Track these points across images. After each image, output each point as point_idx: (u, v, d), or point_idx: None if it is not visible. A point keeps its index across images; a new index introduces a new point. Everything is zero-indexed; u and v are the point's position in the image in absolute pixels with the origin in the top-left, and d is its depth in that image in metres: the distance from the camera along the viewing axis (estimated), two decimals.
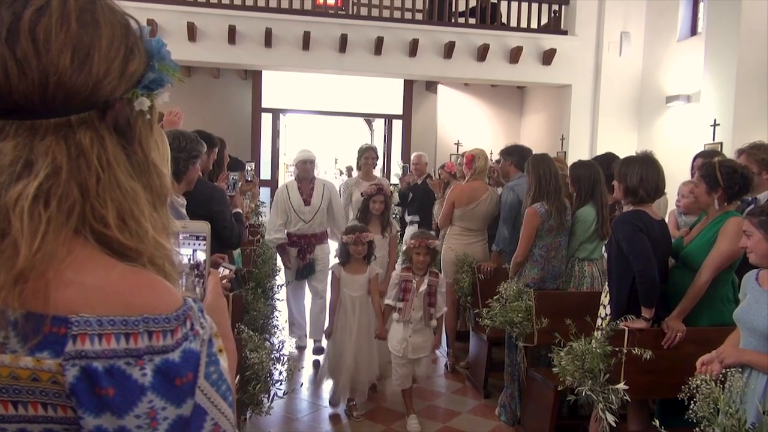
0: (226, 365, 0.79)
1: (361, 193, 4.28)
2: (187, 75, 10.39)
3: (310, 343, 5.02)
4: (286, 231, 4.83)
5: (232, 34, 7.94)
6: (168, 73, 0.85)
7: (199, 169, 2.54)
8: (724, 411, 1.87)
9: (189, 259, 1.01)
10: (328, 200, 4.91)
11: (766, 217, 2.08)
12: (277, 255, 4.91)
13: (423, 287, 3.56)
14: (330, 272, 3.88)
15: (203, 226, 1.03)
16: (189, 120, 5.03)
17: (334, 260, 4.93)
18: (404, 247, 4.18)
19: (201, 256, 1.01)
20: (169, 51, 0.85)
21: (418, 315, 3.56)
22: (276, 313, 3.57)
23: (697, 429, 1.92)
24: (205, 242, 1.02)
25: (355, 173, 7.46)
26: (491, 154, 5.89)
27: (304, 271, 4.87)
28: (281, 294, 4.28)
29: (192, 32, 7.83)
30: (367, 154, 5.37)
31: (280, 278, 4.83)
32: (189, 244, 1.02)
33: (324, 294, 4.89)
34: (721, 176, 2.72)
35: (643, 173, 2.83)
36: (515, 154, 4.50)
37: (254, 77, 9.65)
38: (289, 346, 3.91)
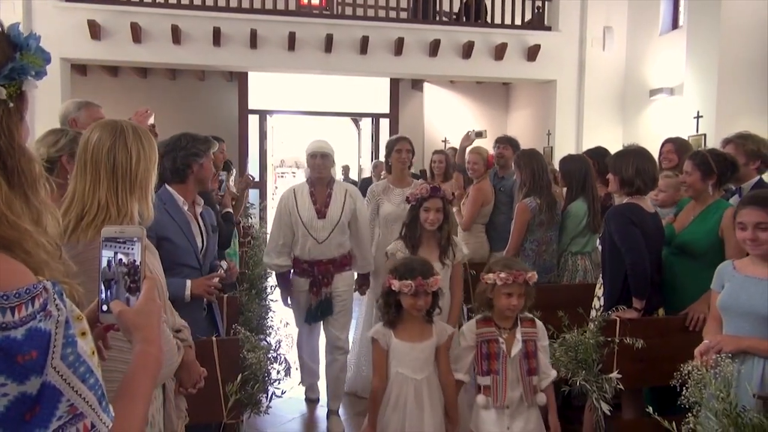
0: (88, 349, 0.82)
1: (407, 198, 2.97)
2: (172, 78, 10.34)
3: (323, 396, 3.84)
4: (292, 254, 3.53)
5: (216, 36, 7.92)
6: (33, 63, 0.87)
7: (208, 168, 2.55)
8: (715, 396, 1.91)
9: (110, 262, 1.02)
10: (351, 212, 3.50)
11: None
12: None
13: (517, 348, 2.39)
14: (371, 339, 2.50)
15: (138, 231, 1.05)
16: (174, 123, 5.03)
17: (363, 306, 3.95)
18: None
19: (136, 259, 1.03)
20: (38, 42, 0.87)
21: (517, 393, 2.38)
22: (270, 314, 3.57)
23: (690, 414, 1.96)
24: (138, 246, 1.03)
25: (356, 173, 6.88)
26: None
27: (317, 312, 3.49)
28: (274, 294, 3.83)
29: (176, 34, 7.78)
30: (399, 146, 3.86)
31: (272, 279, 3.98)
32: (122, 247, 1.03)
33: (347, 346, 3.70)
34: (714, 164, 2.80)
35: (638, 165, 2.89)
36: (516, 145, 4.56)
37: (240, 79, 9.63)
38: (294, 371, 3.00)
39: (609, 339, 2.64)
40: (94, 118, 2.95)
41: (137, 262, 1.04)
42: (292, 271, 3.58)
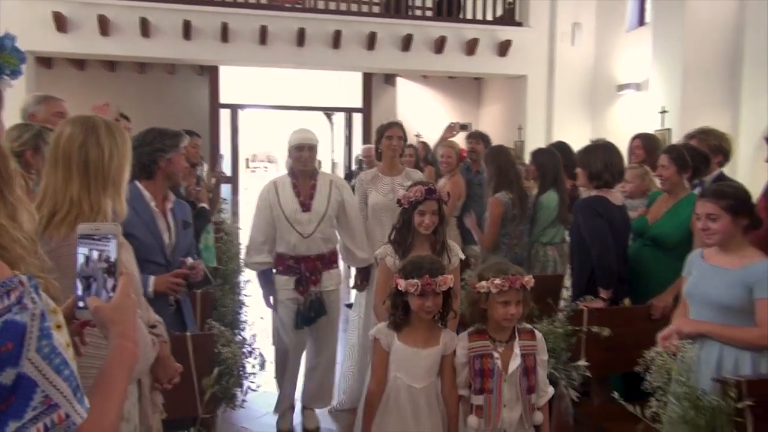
0: (63, 341, 0.84)
1: (398, 201, 2.71)
2: (141, 71, 10.17)
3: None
4: (276, 251, 3.32)
5: (186, 30, 7.81)
6: (8, 63, 0.90)
7: (177, 164, 2.51)
8: (676, 380, 1.99)
9: (86, 259, 1.04)
10: (337, 205, 3.33)
11: (732, 199, 2.17)
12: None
13: (515, 363, 2.14)
14: (371, 338, 2.33)
15: (113, 228, 1.07)
16: (144, 118, 4.95)
17: (352, 297, 3.84)
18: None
19: (112, 256, 1.05)
20: (13, 42, 0.89)
21: (514, 415, 2.15)
22: (244, 309, 3.56)
23: (653, 398, 2.04)
24: (114, 243, 1.05)
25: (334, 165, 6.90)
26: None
27: (309, 314, 3.25)
28: (248, 289, 3.71)
29: (145, 28, 7.65)
30: (390, 132, 3.61)
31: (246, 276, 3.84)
32: (97, 244, 1.05)
33: (335, 348, 3.51)
34: (690, 158, 2.91)
35: (606, 159, 2.98)
36: (487, 140, 4.64)
37: (211, 73, 9.52)
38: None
39: (577, 328, 2.72)
40: (55, 113, 2.91)
41: (113, 259, 1.05)
42: (274, 269, 3.35)
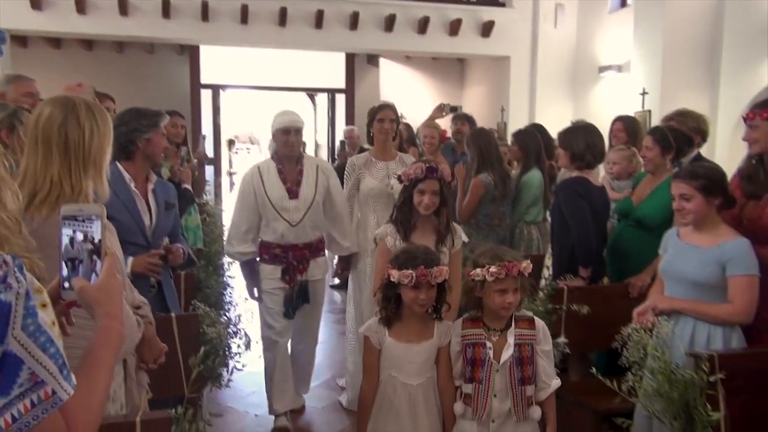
0: (48, 320, 0.86)
1: (399, 177, 2.60)
2: (119, 50, 9.98)
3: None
4: (260, 239, 3.20)
5: (166, 8, 7.67)
6: None
7: (156, 143, 2.48)
8: (652, 355, 2.06)
9: (70, 240, 1.04)
10: (324, 190, 3.21)
11: (705, 179, 2.23)
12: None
13: (508, 353, 2.05)
14: (363, 336, 2.23)
15: (97, 209, 1.07)
16: (122, 98, 4.87)
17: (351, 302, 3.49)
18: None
19: (96, 236, 1.05)
20: None
21: (505, 406, 2.06)
22: (228, 290, 3.57)
23: (630, 372, 2.10)
24: (98, 223, 1.05)
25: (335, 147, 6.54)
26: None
27: (296, 301, 3.17)
28: (233, 270, 3.60)
29: (123, 5, 7.50)
30: (381, 115, 3.44)
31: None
32: (81, 225, 1.05)
33: (317, 337, 3.51)
34: (673, 139, 2.96)
35: (588, 140, 3.02)
36: (473, 122, 4.67)
37: (191, 52, 9.38)
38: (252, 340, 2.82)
39: (557, 306, 2.77)
40: (25, 93, 2.86)
41: (97, 240, 1.05)
42: (258, 258, 3.23)
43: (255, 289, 3.25)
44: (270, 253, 3.18)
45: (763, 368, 2.08)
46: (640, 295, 2.82)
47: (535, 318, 2.18)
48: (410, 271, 2.04)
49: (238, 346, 2.52)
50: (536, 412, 2.10)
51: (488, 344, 2.07)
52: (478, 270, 2.04)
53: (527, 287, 2.14)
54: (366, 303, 3.31)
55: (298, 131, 3.13)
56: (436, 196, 2.51)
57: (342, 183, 3.51)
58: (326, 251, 3.42)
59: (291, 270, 3.15)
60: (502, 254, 2.07)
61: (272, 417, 3.30)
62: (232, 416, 3.50)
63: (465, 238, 2.68)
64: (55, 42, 9.48)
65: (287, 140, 3.09)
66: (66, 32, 7.90)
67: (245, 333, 2.62)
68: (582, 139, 3.05)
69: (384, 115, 3.45)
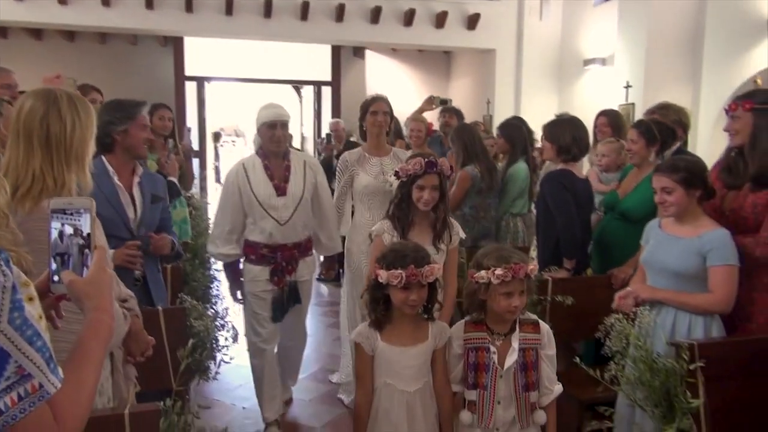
0: (35, 313, 0.87)
1: (396, 173, 2.50)
2: (102, 42, 9.85)
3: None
4: (246, 239, 3.07)
5: None
6: None
7: (135, 136, 2.43)
8: (634, 344, 2.10)
9: (60, 233, 1.04)
10: (312, 187, 3.11)
11: (685, 172, 2.26)
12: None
13: (512, 358, 1.97)
14: (353, 343, 2.14)
15: (86, 202, 1.06)
16: (105, 90, 4.78)
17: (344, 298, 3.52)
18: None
19: (85, 230, 1.05)
20: None
21: (509, 414, 2.00)
22: (215, 283, 3.57)
23: (612, 362, 2.14)
24: (87, 217, 1.05)
25: (327, 142, 6.21)
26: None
27: (287, 303, 3.08)
28: (219, 263, 3.43)
29: None
30: (374, 107, 3.34)
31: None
32: (70, 219, 1.04)
33: (306, 334, 3.47)
34: (657, 132, 3.00)
35: (575, 133, 3.05)
36: (461, 115, 4.71)
37: (176, 44, 9.29)
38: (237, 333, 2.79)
39: (542, 297, 2.81)
40: (2, 84, 2.82)
41: (87, 233, 1.05)
42: (243, 259, 3.12)
43: (238, 292, 3.13)
44: (257, 254, 3.03)
45: (740, 356, 2.13)
46: (622, 286, 2.86)
47: (540, 321, 2.08)
48: (399, 271, 1.93)
49: (226, 339, 2.52)
50: (541, 416, 2.02)
51: (492, 349, 1.98)
52: (483, 272, 1.94)
53: (533, 290, 2.01)
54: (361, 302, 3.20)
55: (285, 125, 3.00)
56: (436, 191, 2.43)
57: (328, 179, 3.43)
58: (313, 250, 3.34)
59: (280, 271, 3.02)
60: (507, 256, 1.95)
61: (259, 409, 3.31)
62: (220, 409, 3.51)
63: (462, 235, 2.62)
64: (36, 33, 9.34)
65: (273, 135, 2.95)
66: (47, 23, 7.78)
67: (233, 326, 2.62)
68: (569, 132, 3.08)
69: (377, 107, 3.33)
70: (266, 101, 3.15)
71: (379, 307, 2.02)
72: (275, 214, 2.98)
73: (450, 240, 2.52)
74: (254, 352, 3.16)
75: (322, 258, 3.57)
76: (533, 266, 1.99)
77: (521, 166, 4.01)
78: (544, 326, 2.08)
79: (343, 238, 3.46)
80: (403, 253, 2.00)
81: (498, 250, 2.01)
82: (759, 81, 6.26)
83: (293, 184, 3.02)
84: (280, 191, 2.99)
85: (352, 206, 3.47)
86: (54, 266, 1.05)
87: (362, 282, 3.02)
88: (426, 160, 2.43)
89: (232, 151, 15.52)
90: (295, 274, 3.08)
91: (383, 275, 1.96)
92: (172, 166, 3.55)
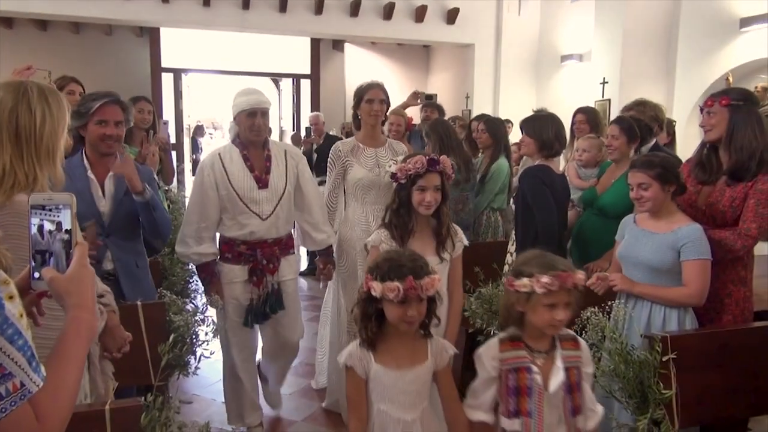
0: (16, 311, 0.86)
1: (393, 175, 2.26)
2: (75, 31, 9.66)
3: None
4: (221, 235, 2.85)
5: None
6: None
7: (92, 132, 2.38)
8: (609, 337, 2.15)
9: (40, 229, 1.02)
10: (295, 178, 2.90)
11: (660, 168, 2.31)
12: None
13: (558, 379, 1.73)
14: (343, 366, 1.86)
15: (67, 198, 1.05)
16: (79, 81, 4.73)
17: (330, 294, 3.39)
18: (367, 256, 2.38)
19: (66, 226, 1.03)
20: None
21: None
22: (194, 278, 3.53)
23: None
24: (68, 213, 1.04)
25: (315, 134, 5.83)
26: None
27: (263, 308, 2.80)
28: None
29: None
30: (370, 95, 3.08)
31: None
32: (49, 214, 1.03)
33: (297, 348, 3.09)
34: (637, 129, 3.05)
35: (556, 129, 3.08)
36: (441, 110, 4.83)
37: (151, 34, 9.16)
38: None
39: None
40: None
41: (67, 229, 1.04)
42: (218, 257, 2.85)
43: (218, 297, 2.80)
44: (233, 252, 2.79)
45: (711, 347, 2.20)
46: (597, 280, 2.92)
47: (578, 337, 1.87)
48: (396, 284, 1.69)
49: (206, 333, 2.51)
50: None
51: (534, 368, 1.73)
52: (526, 280, 1.71)
53: (578, 302, 1.77)
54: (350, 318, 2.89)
55: (265, 113, 2.76)
56: (438, 193, 2.22)
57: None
58: (295, 248, 3.08)
59: (260, 270, 2.78)
60: (552, 262, 1.73)
61: None
62: (199, 404, 3.50)
63: (466, 241, 2.40)
64: (7, 21, 9.12)
65: (253, 123, 2.71)
66: (18, 11, 7.60)
67: (212, 320, 2.61)
68: (551, 128, 3.11)
69: (373, 95, 3.07)
70: (242, 88, 2.90)
71: (371, 323, 1.77)
72: (256, 208, 2.76)
73: (453, 247, 2.31)
74: (230, 370, 2.95)
75: (305, 253, 3.32)
76: (581, 275, 1.75)
77: (504, 162, 4.07)
78: (582, 342, 1.87)
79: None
80: (400, 262, 1.75)
81: (541, 256, 1.77)
82: (730, 78, 6.40)
83: (275, 175, 2.81)
84: (262, 184, 2.77)
85: (344, 201, 3.28)
86: (34, 263, 1.03)
87: (356, 284, 2.80)
88: (427, 158, 2.20)
89: (210, 144, 15.35)
90: (277, 274, 2.84)
91: (377, 288, 1.72)
92: (152, 160, 3.50)
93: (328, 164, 3.18)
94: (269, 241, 2.82)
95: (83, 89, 3.50)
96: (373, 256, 2.18)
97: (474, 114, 8.69)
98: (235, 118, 2.80)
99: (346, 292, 3.09)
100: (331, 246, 3.10)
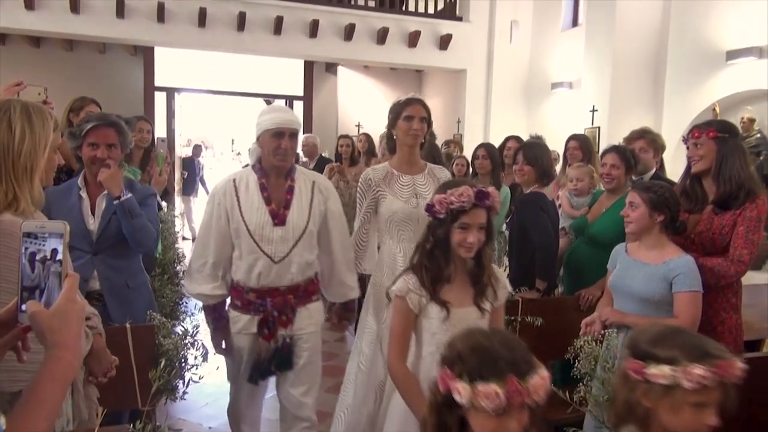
0: None
1: (429, 207, 1.85)
2: (69, 49, 9.67)
3: None
4: (229, 278, 2.39)
5: (120, 7, 7.49)
6: None
7: (85, 154, 2.44)
8: (602, 366, 2.14)
9: (31, 259, 0.96)
10: (321, 216, 2.42)
11: (654, 194, 2.34)
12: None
13: None
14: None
15: (60, 226, 0.99)
16: (71, 99, 4.71)
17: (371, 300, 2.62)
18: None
19: (58, 256, 0.97)
20: None
21: None
22: (185, 299, 3.49)
23: (581, 384, 2.18)
24: (60, 242, 0.98)
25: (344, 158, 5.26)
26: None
27: (268, 366, 2.37)
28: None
29: (74, 2, 7.28)
30: (410, 111, 2.61)
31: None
32: (40, 243, 0.97)
33: (313, 416, 2.47)
34: (634, 159, 3.09)
35: (549, 157, 3.12)
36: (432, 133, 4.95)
37: (146, 54, 9.18)
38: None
39: (512, 318, 2.84)
40: None
41: (59, 260, 0.98)
42: (228, 301, 2.44)
43: (224, 342, 2.45)
44: (243, 299, 2.37)
45: None
46: (589, 308, 2.92)
47: None
48: (494, 387, 1.19)
49: (195, 357, 2.46)
50: None
51: None
52: (667, 369, 1.26)
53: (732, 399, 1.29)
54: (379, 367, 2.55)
55: (294, 135, 2.31)
56: (482, 233, 1.81)
57: None
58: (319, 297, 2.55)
59: (270, 323, 2.34)
60: (703, 345, 1.29)
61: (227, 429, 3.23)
62: (187, 429, 3.43)
63: (509, 288, 2.02)
64: (0, 38, 9.11)
65: (279, 146, 2.26)
66: (12, 28, 7.60)
67: (202, 344, 2.56)
68: (547, 156, 3.17)
69: (413, 111, 2.61)
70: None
71: None
72: (268, 249, 2.29)
73: (495, 296, 1.91)
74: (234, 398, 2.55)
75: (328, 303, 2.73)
76: (740, 365, 1.29)
77: (504, 189, 4.12)
78: None
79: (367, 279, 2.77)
80: (495, 354, 1.24)
81: (681, 334, 1.34)
82: (717, 109, 6.52)
83: (295, 211, 2.34)
84: (278, 220, 2.30)
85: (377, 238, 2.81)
86: (23, 295, 0.96)
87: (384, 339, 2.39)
88: (475, 190, 1.79)
89: (203, 164, 15.31)
90: (291, 327, 2.37)
91: (464, 392, 1.22)
92: (159, 181, 3.50)
93: (357, 195, 2.77)
94: (281, 289, 2.35)
95: (101, 110, 3.52)
96: (399, 306, 1.84)
97: (465, 138, 8.78)
98: (258, 139, 2.35)
99: (372, 342, 2.62)
100: (352, 300, 2.63)
